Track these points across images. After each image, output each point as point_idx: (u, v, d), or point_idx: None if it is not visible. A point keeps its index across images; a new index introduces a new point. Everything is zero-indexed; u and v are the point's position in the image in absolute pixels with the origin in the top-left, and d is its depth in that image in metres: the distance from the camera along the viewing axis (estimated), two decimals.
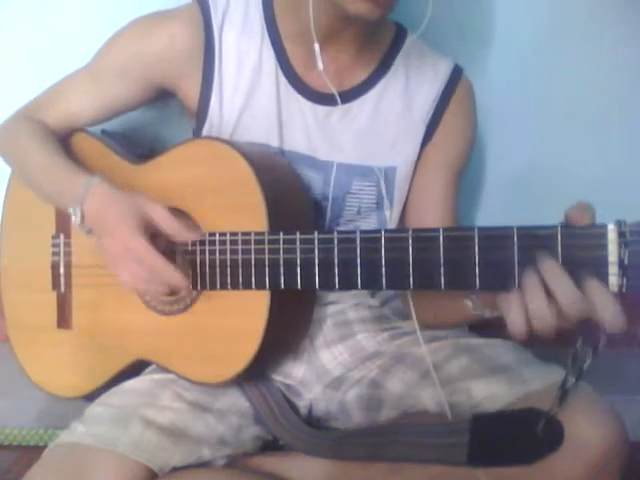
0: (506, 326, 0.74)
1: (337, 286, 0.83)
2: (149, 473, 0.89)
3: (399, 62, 1.08)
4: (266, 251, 0.88)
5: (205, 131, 1.06)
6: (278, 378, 1.08)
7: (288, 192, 0.99)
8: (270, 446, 1.05)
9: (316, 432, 1.00)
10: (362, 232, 0.81)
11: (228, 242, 0.92)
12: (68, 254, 1.11)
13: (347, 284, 0.83)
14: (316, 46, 0.97)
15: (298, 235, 0.86)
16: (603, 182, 1.27)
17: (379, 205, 1.09)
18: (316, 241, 0.84)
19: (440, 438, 0.88)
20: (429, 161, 1.10)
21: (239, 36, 1.04)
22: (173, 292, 0.94)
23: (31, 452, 1.15)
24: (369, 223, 1.10)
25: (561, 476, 0.80)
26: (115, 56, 1.08)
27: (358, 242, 0.81)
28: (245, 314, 0.93)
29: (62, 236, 1.12)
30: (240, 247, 0.91)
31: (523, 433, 0.81)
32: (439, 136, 1.10)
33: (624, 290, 0.67)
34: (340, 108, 1.04)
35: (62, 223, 1.11)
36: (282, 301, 0.92)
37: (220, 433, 0.98)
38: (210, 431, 0.98)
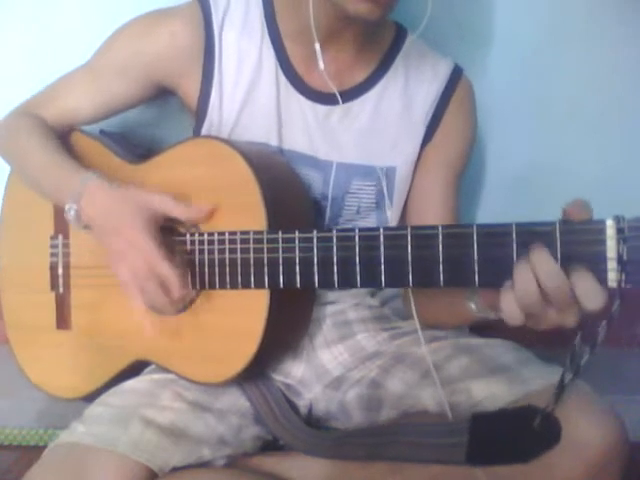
0: (506, 326, 0.75)
1: (336, 284, 0.83)
2: (149, 473, 0.89)
3: (399, 62, 1.08)
4: (265, 250, 0.88)
5: (205, 129, 1.06)
6: (278, 378, 1.08)
7: (287, 191, 0.99)
8: (270, 446, 1.05)
9: (316, 432, 1.00)
10: (361, 230, 0.81)
11: (227, 241, 0.92)
12: (66, 255, 1.11)
13: (346, 282, 0.83)
14: (317, 46, 0.97)
15: (297, 234, 0.86)
16: (603, 182, 1.27)
17: (378, 205, 1.09)
18: (315, 240, 0.84)
19: (440, 438, 0.88)
20: (429, 161, 1.10)
21: (239, 35, 1.04)
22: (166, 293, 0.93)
23: (31, 452, 1.15)
24: (368, 223, 1.10)
25: (561, 476, 0.80)
26: (115, 54, 1.08)
27: (357, 240, 0.81)
28: (244, 313, 0.93)
29: (60, 237, 1.12)
30: (239, 246, 0.91)
31: (521, 430, 0.80)
32: (439, 136, 1.10)
33: (623, 285, 0.68)
34: (340, 108, 1.04)
35: (60, 224, 1.11)
36: (281, 300, 0.92)
37: (220, 433, 0.98)
38: (210, 431, 0.97)
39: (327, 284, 0.84)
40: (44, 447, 0.95)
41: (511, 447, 0.81)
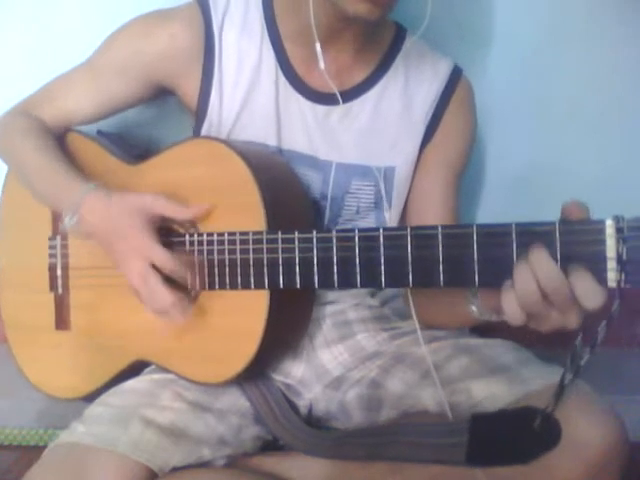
0: (508, 326, 0.75)
1: (336, 285, 0.83)
2: (149, 473, 0.89)
3: (399, 62, 1.08)
4: (264, 251, 0.88)
5: (204, 130, 1.06)
6: (278, 378, 1.08)
7: (286, 192, 0.99)
8: (270, 446, 1.05)
9: (316, 432, 1.00)
10: (360, 231, 0.81)
11: (226, 242, 0.92)
12: (65, 256, 1.11)
13: (346, 283, 0.83)
14: (317, 45, 0.97)
15: (296, 234, 0.86)
16: (603, 182, 1.27)
17: (378, 205, 1.09)
18: (314, 240, 0.84)
19: (440, 438, 0.88)
20: (429, 161, 1.10)
21: (239, 36, 1.04)
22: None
23: (31, 452, 1.15)
24: (368, 223, 1.10)
25: (561, 476, 0.80)
26: (115, 54, 1.08)
27: (357, 241, 0.81)
28: (244, 314, 0.93)
29: (59, 237, 1.12)
30: (238, 247, 0.91)
31: (521, 431, 0.80)
32: (439, 136, 1.10)
33: (622, 285, 0.68)
34: (340, 108, 1.04)
35: (58, 225, 1.11)
36: (281, 300, 0.92)
37: (220, 433, 0.98)
38: (210, 431, 0.97)
39: (327, 284, 0.84)
40: (44, 447, 0.94)
41: (511, 448, 0.81)
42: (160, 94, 1.11)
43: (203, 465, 0.95)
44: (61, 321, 1.11)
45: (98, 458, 0.88)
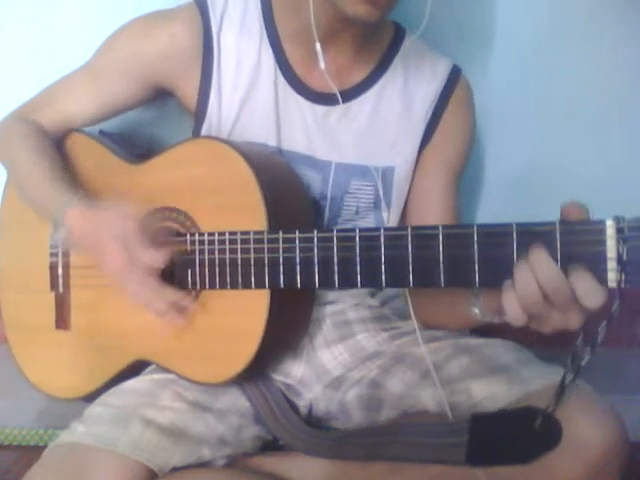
0: (509, 327, 0.75)
1: (337, 285, 0.83)
2: (149, 473, 0.89)
3: (398, 62, 1.08)
4: (265, 250, 0.88)
5: (204, 130, 1.06)
6: (278, 378, 1.08)
7: (287, 192, 0.99)
8: (270, 446, 1.05)
9: (316, 432, 1.00)
10: (361, 230, 0.81)
11: (227, 241, 0.92)
12: (66, 255, 1.11)
13: (347, 283, 0.83)
14: (318, 46, 0.97)
15: (297, 234, 0.86)
16: (603, 182, 1.27)
17: (377, 205, 1.09)
18: (315, 240, 0.84)
19: (440, 438, 0.88)
20: (428, 161, 1.10)
21: (238, 36, 1.04)
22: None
23: (31, 452, 1.15)
24: (367, 223, 1.10)
25: (561, 476, 0.80)
26: (115, 55, 1.08)
27: (357, 240, 0.81)
28: (245, 314, 0.93)
29: (60, 244, 1.11)
30: (239, 246, 0.91)
31: (521, 431, 0.80)
32: (438, 136, 1.10)
33: (622, 285, 0.68)
34: (339, 108, 1.04)
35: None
36: (282, 300, 0.92)
37: (220, 433, 0.98)
38: (210, 431, 0.97)
39: (327, 284, 0.84)
40: (44, 447, 0.94)
41: (511, 448, 0.81)
42: (159, 95, 1.11)
43: (203, 465, 0.95)
44: (61, 321, 1.11)
45: (98, 458, 0.88)
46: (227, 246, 0.92)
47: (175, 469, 0.91)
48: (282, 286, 0.88)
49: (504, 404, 0.88)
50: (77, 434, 0.92)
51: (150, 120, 1.30)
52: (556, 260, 0.70)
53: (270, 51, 1.04)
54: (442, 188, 1.10)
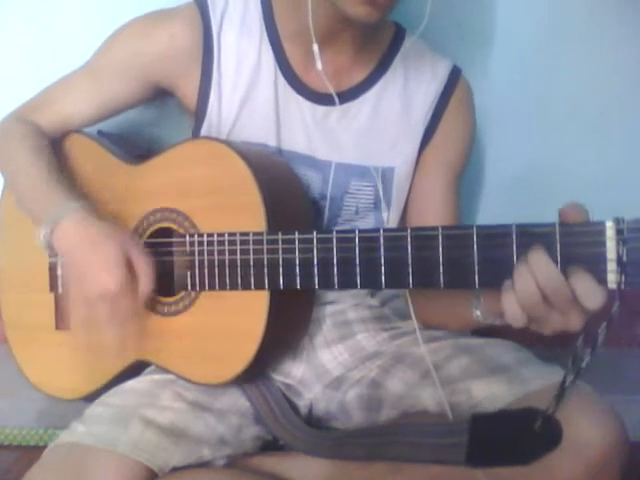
0: (510, 328, 0.75)
1: (336, 286, 0.83)
2: (149, 473, 0.89)
3: (398, 62, 1.08)
4: (265, 251, 0.88)
5: (204, 130, 1.06)
6: (278, 378, 1.08)
7: (286, 192, 0.99)
8: (270, 446, 1.05)
9: (316, 432, 1.00)
10: (361, 232, 0.81)
11: (226, 242, 0.92)
12: None
13: (346, 283, 0.83)
14: (315, 46, 0.97)
15: (297, 235, 0.86)
16: (603, 182, 1.27)
17: (377, 205, 1.09)
18: (315, 241, 0.84)
19: (440, 438, 0.87)
20: (428, 162, 1.10)
21: (238, 36, 1.04)
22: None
23: (31, 452, 1.15)
24: (367, 223, 1.10)
25: (561, 476, 0.80)
26: (115, 55, 1.08)
27: (357, 242, 0.81)
28: (245, 314, 0.93)
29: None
30: (238, 247, 0.91)
31: (521, 432, 0.80)
32: (438, 137, 1.10)
33: (622, 287, 0.68)
34: (339, 108, 1.04)
35: None
36: (281, 301, 0.92)
37: (220, 433, 0.98)
38: (210, 431, 0.97)
39: (327, 285, 0.84)
40: (44, 447, 0.95)
41: (511, 449, 0.81)
42: (159, 95, 1.11)
43: (203, 465, 0.95)
44: (61, 321, 1.11)
45: (98, 458, 0.88)
46: (226, 247, 0.92)
47: (175, 469, 0.91)
48: (282, 287, 0.88)
49: (504, 404, 0.88)
50: (77, 434, 0.93)
51: (150, 120, 1.30)
52: (556, 261, 0.70)
53: (270, 51, 1.04)
54: (442, 189, 1.10)
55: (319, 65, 0.98)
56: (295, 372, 1.09)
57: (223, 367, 0.96)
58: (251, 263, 0.90)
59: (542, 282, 0.70)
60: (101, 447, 0.89)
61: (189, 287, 0.96)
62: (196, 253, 0.95)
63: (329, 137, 1.06)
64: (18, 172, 1.06)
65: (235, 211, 0.93)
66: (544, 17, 1.28)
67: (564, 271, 0.70)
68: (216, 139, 1.00)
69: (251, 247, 0.89)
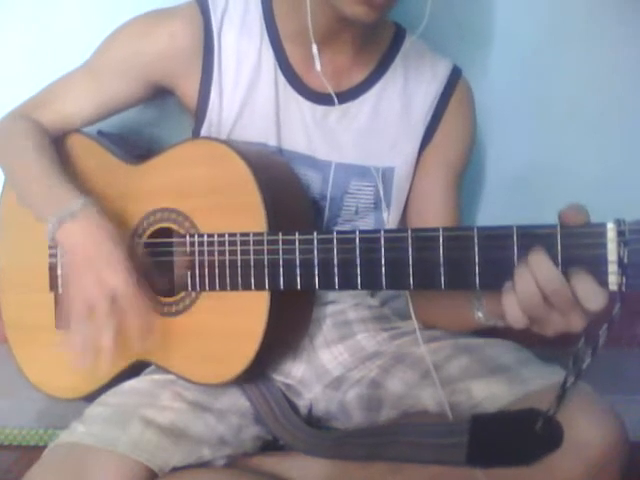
0: (509, 328, 0.75)
1: (337, 286, 0.83)
2: (149, 473, 0.89)
3: (398, 62, 1.08)
4: (265, 252, 0.88)
5: (204, 130, 1.06)
6: (278, 378, 1.08)
7: (287, 192, 0.99)
8: (270, 446, 1.05)
9: (316, 432, 1.00)
10: (361, 232, 0.81)
11: (227, 243, 0.92)
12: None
13: (347, 284, 0.83)
14: (314, 47, 0.97)
15: (297, 235, 0.86)
16: (603, 182, 1.27)
17: (377, 205, 1.09)
18: (315, 241, 0.84)
19: (440, 438, 0.87)
20: (429, 162, 1.10)
21: (238, 36, 1.04)
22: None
23: (31, 452, 1.15)
24: (367, 223, 1.10)
25: (561, 476, 0.80)
26: (115, 54, 1.08)
27: (357, 242, 0.81)
28: (245, 315, 0.93)
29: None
30: (239, 248, 0.91)
31: (522, 433, 0.80)
32: (439, 137, 1.10)
33: (623, 289, 0.68)
34: (338, 108, 1.04)
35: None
36: (282, 301, 0.92)
37: (220, 433, 0.98)
38: (210, 431, 0.98)
39: (327, 286, 0.84)
40: (44, 447, 0.95)
41: (512, 449, 0.81)
42: (159, 94, 1.11)
43: (203, 465, 0.95)
44: (61, 320, 1.11)
45: (98, 458, 0.88)
46: (227, 247, 0.92)
47: (175, 469, 0.91)
48: (282, 287, 0.88)
49: (504, 404, 0.88)
50: (77, 434, 0.93)
51: (150, 120, 1.30)
52: (557, 263, 0.70)
53: (270, 51, 1.04)
54: (443, 189, 1.10)
55: (318, 66, 0.98)
56: (295, 372, 1.09)
57: (223, 367, 0.96)
58: (251, 263, 0.89)
59: (542, 283, 0.70)
60: (101, 447, 0.89)
61: (189, 287, 0.96)
62: (196, 253, 0.95)
63: (329, 137, 1.06)
64: (21, 168, 1.06)
65: (235, 211, 0.93)
66: (544, 17, 1.28)
67: (565, 273, 0.70)
68: (216, 139, 1.00)
69: (251, 247, 0.89)
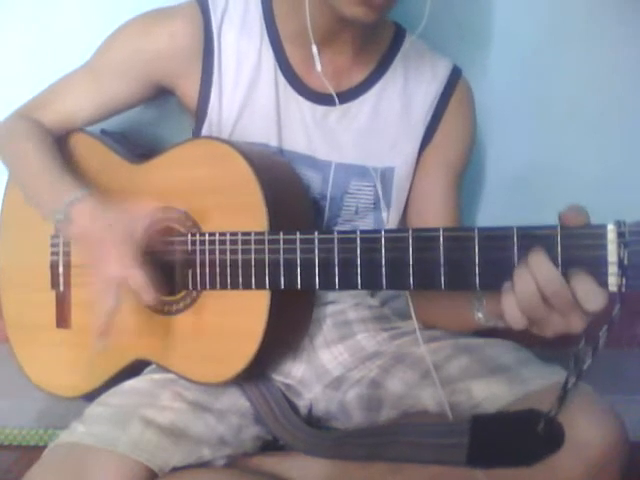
0: (511, 330, 0.75)
1: (337, 286, 0.83)
2: (149, 473, 0.89)
3: (398, 62, 1.08)
4: (266, 251, 0.88)
5: (204, 130, 1.06)
6: (278, 378, 1.08)
7: (288, 192, 0.99)
8: (270, 446, 1.05)
9: (316, 432, 1.00)
10: (362, 232, 0.81)
11: (228, 242, 0.92)
12: (67, 254, 1.11)
13: (347, 284, 0.83)
14: (314, 48, 0.98)
15: (298, 235, 0.86)
16: (603, 182, 1.27)
17: (377, 206, 1.09)
18: (316, 241, 0.84)
19: (440, 438, 0.87)
20: (429, 162, 1.10)
21: (238, 36, 1.04)
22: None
23: (31, 452, 1.15)
24: (367, 223, 1.10)
25: (561, 476, 0.80)
26: (115, 54, 1.08)
27: (358, 242, 0.81)
28: (245, 314, 0.93)
29: (61, 236, 1.12)
30: (240, 247, 0.91)
31: (523, 434, 0.80)
32: (439, 137, 1.10)
33: (623, 290, 0.68)
34: (338, 108, 1.04)
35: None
36: (282, 301, 0.92)
37: (220, 433, 0.98)
38: (210, 431, 0.97)
39: (328, 286, 0.84)
40: (44, 447, 0.95)
41: (513, 450, 0.81)
42: (160, 94, 1.11)
43: (203, 465, 0.95)
44: (62, 319, 1.11)
45: (98, 458, 0.88)
46: (228, 246, 0.92)
47: (175, 469, 0.91)
48: (282, 287, 0.88)
49: (504, 404, 0.89)
50: (77, 434, 0.93)
51: (151, 120, 1.30)
52: (557, 264, 0.70)
53: (270, 51, 1.04)
54: (443, 189, 1.10)
55: (318, 66, 0.98)
56: (295, 372, 1.09)
57: (223, 366, 0.96)
58: (252, 263, 0.89)
59: (542, 283, 0.70)
60: (101, 447, 0.89)
61: (190, 286, 0.96)
62: (197, 252, 0.95)
63: (329, 137, 1.06)
64: (24, 167, 1.06)
65: (237, 211, 0.93)
66: (544, 17, 1.28)
67: (565, 273, 0.70)
68: (218, 139, 1.00)
69: (252, 247, 0.89)
